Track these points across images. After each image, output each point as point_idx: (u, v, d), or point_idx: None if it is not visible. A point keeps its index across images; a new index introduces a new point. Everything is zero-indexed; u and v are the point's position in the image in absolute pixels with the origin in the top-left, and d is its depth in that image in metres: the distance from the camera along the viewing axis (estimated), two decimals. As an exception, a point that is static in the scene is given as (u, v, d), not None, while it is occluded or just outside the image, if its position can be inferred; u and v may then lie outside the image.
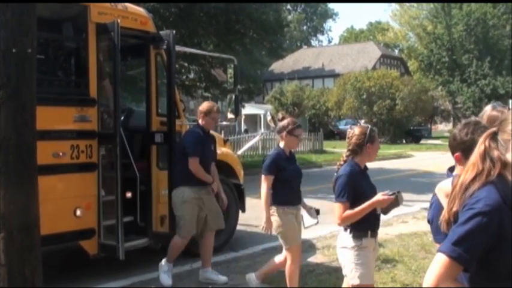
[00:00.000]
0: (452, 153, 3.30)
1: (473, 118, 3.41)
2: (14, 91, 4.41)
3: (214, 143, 7.74)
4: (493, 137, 2.48)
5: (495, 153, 2.44)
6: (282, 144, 6.32)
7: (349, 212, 4.73)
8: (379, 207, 4.79)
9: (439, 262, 2.35)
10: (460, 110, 54.98)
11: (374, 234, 4.95)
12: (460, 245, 2.31)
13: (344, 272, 4.96)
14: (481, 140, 2.51)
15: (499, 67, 53.92)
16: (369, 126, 5.07)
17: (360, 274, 4.80)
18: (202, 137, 7.28)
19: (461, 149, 3.19)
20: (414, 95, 43.79)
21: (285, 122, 6.28)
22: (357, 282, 4.82)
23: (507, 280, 2.37)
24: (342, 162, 5.00)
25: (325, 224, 8.11)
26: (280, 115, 6.41)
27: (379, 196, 4.70)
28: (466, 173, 2.47)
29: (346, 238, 4.88)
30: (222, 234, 8.82)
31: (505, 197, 2.34)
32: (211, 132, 7.76)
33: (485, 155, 2.46)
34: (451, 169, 3.46)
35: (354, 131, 4.96)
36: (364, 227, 4.82)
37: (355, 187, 4.79)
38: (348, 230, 4.85)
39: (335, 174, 4.96)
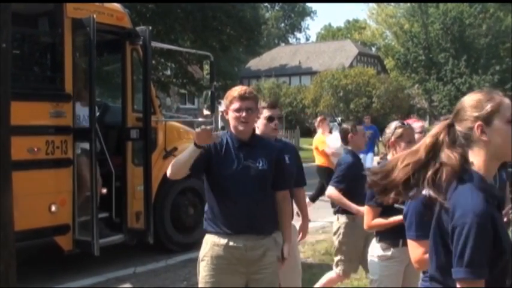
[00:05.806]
0: None
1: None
2: (-12, 86, 4.39)
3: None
4: (449, 131, 2.37)
5: (444, 154, 2.30)
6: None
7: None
8: None
9: None
10: (436, 108, 55.26)
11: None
12: (473, 264, 2.14)
13: (370, 284, 4.65)
14: (433, 132, 2.39)
15: (475, 66, 54.22)
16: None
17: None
18: None
19: None
20: (391, 93, 43.98)
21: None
22: None
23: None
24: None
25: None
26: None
27: None
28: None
29: (375, 247, 4.52)
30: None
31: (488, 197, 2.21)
32: None
33: (433, 150, 2.34)
34: None
35: None
36: (394, 236, 4.29)
37: None
38: (378, 238, 4.50)
39: None
